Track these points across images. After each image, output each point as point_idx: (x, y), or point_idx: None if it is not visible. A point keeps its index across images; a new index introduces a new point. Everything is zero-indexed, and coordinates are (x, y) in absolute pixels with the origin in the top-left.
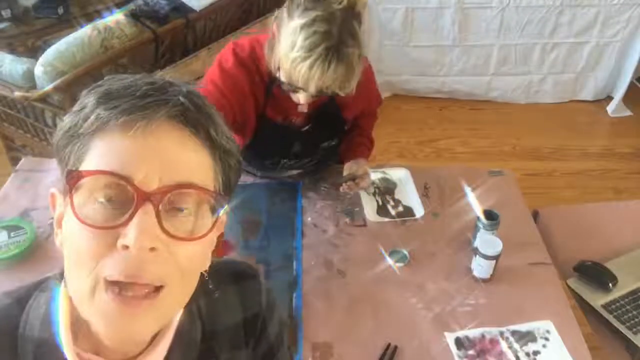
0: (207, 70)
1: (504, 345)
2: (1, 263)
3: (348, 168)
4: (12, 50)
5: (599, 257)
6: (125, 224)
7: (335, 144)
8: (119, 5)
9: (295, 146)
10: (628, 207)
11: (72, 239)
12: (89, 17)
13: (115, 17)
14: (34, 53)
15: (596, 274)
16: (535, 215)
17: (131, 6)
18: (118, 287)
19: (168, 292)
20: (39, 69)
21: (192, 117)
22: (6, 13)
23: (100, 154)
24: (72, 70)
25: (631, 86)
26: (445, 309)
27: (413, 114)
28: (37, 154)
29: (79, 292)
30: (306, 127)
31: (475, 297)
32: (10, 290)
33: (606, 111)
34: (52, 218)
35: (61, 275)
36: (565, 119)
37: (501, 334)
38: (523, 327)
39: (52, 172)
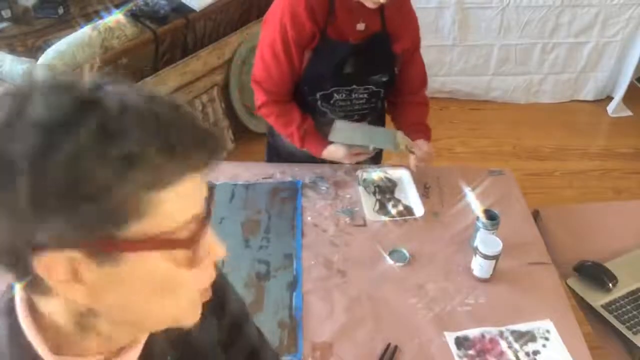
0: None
1: (503, 345)
2: None
3: (400, 136)
4: (12, 50)
5: (599, 257)
6: (204, 249)
7: (385, 81)
8: (118, 6)
9: (347, 67)
10: (628, 207)
11: (173, 278)
12: (89, 17)
13: (115, 17)
14: (34, 53)
15: (596, 274)
16: (535, 215)
17: (131, 6)
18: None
19: None
20: None
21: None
22: (6, 13)
23: (167, 214)
24: (72, 70)
25: (631, 86)
26: (445, 309)
27: None
28: None
29: (178, 310)
30: (359, 43)
31: (475, 297)
32: None
33: (606, 111)
34: None
35: (6, 302)
36: (565, 119)
37: (501, 333)
38: (523, 327)
39: None
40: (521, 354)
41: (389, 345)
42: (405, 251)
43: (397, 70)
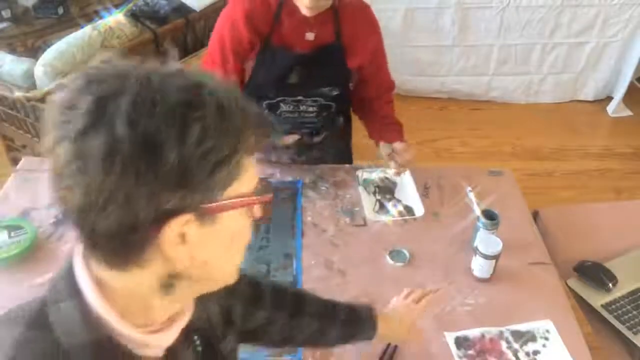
0: None
1: (503, 345)
2: (1, 263)
3: (383, 147)
4: (12, 50)
5: (599, 257)
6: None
7: (336, 95)
8: (118, 6)
9: (292, 77)
10: (628, 207)
11: (243, 233)
12: (89, 17)
13: (115, 17)
14: (34, 53)
15: (596, 274)
16: (535, 215)
17: (131, 6)
18: None
19: None
20: (39, 69)
21: None
22: (6, 13)
23: (247, 181)
24: (72, 70)
25: (631, 86)
26: (445, 309)
27: (413, 114)
28: (37, 154)
29: (234, 267)
30: (306, 53)
31: (475, 297)
32: (4, 320)
33: (606, 111)
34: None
35: (69, 287)
36: (565, 119)
37: (501, 333)
38: (523, 327)
39: None
40: (521, 354)
41: (388, 345)
42: (405, 251)
43: (351, 86)
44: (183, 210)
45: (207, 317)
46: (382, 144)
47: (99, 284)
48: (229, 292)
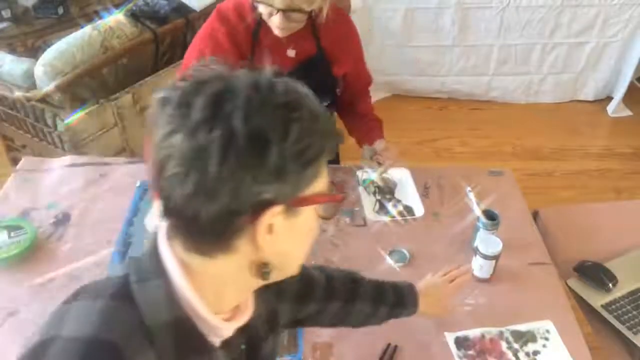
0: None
1: (504, 345)
2: (1, 263)
3: (366, 150)
4: (12, 50)
5: (599, 257)
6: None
7: (327, 105)
8: (118, 6)
9: None
10: (628, 207)
11: (314, 226)
12: (89, 17)
13: (115, 17)
14: (34, 53)
15: (596, 274)
16: (535, 215)
17: (131, 6)
18: None
19: None
20: (39, 69)
21: None
22: (6, 13)
23: (323, 180)
24: (72, 70)
25: (631, 86)
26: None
27: (413, 114)
28: (37, 154)
29: (302, 260)
30: (292, 70)
31: (475, 297)
32: (85, 294)
33: (606, 111)
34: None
35: (155, 267)
36: (565, 119)
37: (501, 334)
38: (523, 327)
39: (52, 172)
40: (521, 354)
41: (388, 345)
42: (405, 251)
43: (338, 92)
44: (276, 202)
45: (256, 317)
46: (365, 146)
47: (183, 266)
48: (278, 292)
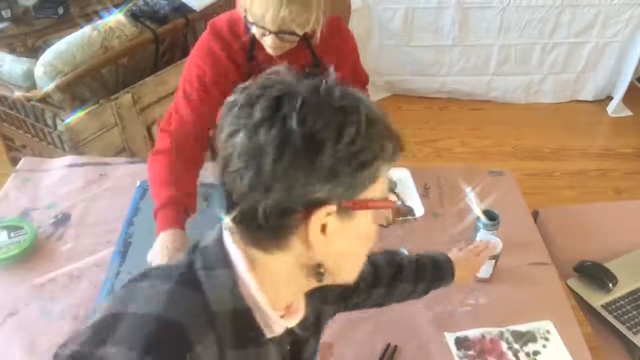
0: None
1: (504, 345)
2: (1, 263)
3: None
4: (12, 50)
5: (599, 257)
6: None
7: None
8: (118, 6)
9: None
10: (628, 207)
11: (369, 232)
12: (89, 17)
13: (115, 17)
14: (34, 53)
15: (596, 274)
16: (535, 215)
17: (131, 6)
18: None
19: None
20: (39, 69)
21: None
22: (6, 13)
23: (381, 185)
24: (72, 70)
25: (631, 86)
26: (445, 309)
27: (413, 114)
28: (37, 154)
29: (359, 264)
30: None
31: (475, 297)
32: (152, 276)
33: (606, 111)
34: (55, 217)
35: (221, 257)
36: (565, 119)
37: (501, 334)
38: (523, 327)
39: (52, 172)
40: (521, 355)
41: (388, 345)
42: (405, 251)
43: None
44: (329, 202)
45: (303, 319)
46: None
47: (246, 258)
48: (322, 295)
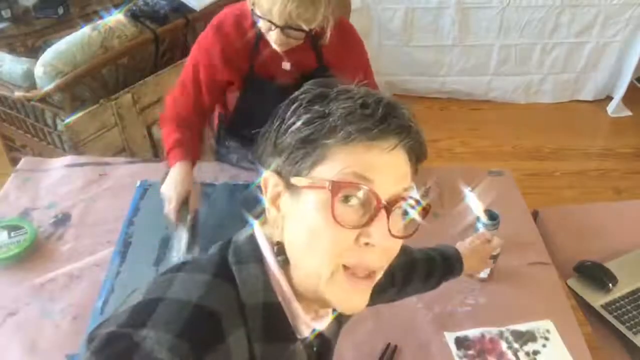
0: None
1: (504, 345)
2: (1, 263)
3: None
4: (12, 50)
5: (599, 257)
6: (367, 225)
7: None
8: (118, 6)
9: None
10: (628, 207)
11: (317, 231)
12: (89, 17)
13: (115, 17)
14: (34, 53)
15: (596, 274)
16: (535, 215)
17: (131, 6)
18: (350, 270)
19: (378, 275)
20: (39, 69)
21: (415, 140)
22: (6, 13)
23: (345, 163)
24: (72, 70)
25: (631, 86)
26: (445, 309)
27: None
28: (37, 154)
29: (317, 272)
30: (291, 84)
31: (475, 297)
32: (188, 268)
33: (606, 111)
34: (55, 217)
35: (254, 253)
36: (565, 119)
37: (501, 333)
38: (523, 327)
39: (52, 172)
40: (521, 354)
41: (388, 345)
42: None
43: None
44: (278, 173)
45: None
46: None
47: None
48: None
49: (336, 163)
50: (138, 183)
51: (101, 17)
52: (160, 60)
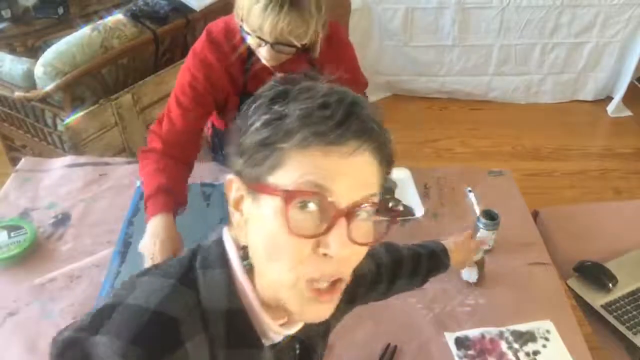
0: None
1: (504, 345)
2: (1, 263)
3: None
4: (12, 50)
5: (599, 257)
6: (325, 233)
7: None
8: (118, 6)
9: None
10: (628, 207)
11: (275, 239)
12: (89, 17)
13: (115, 18)
14: (34, 53)
15: (596, 274)
16: (535, 215)
17: (131, 6)
18: (313, 281)
19: (343, 284)
20: (39, 69)
21: (378, 142)
22: (6, 13)
23: (301, 170)
24: (72, 70)
25: (631, 86)
26: (445, 309)
27: (413, 114)
28: (37, 154)
29: (278, 281)
30: None
31: (475, 297)
32: (153, 272)
33: (606, 111)
34: (55, 217)
35: (220, 257)
36: (565, 119)
37: (501, 334)
38: (523, 327)
39: (52, 172)
40: (521, 354)
41: (388, 345)
42: None
43: None
44: (238, 175)
45: (313, 327)
46: None
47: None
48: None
49: (293, 169)
50: (138, 183)
51: (101, 17)
52: (160, 60)
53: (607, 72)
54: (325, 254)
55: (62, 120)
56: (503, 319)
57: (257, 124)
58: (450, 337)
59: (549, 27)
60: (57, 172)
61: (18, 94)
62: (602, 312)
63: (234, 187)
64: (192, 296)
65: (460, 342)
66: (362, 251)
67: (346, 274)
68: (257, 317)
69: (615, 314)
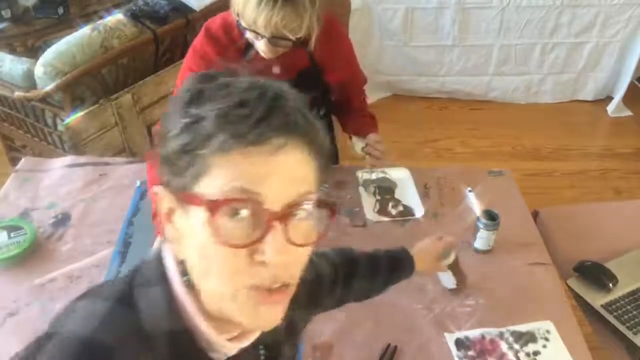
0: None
1: (504, 345)
2: (1, 263)
3: (357, 141)
4: (12, 50)
5: (599, 257)
6: (260, 240)
7: (322, 115)
8: (118, 6)
9: None
10: (628, 207)
11: (206, 251)
12: (89, 17)
13: (115, 17)
14: (34, 53)
15: (596, 274)
16: (535, 215)
17: (131, 6)
18: (254, 288)
19: (291, 287)
20: (39, 69)
21: (307, 135)
22: (6, 13)
23: (225, 176)
24: (72, 70)
25: (631, 86)
26: (445, 310)
27: (413, 114)
28: (37, 154)
29: (218, 293)
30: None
31: (475, 297)
32: (93, 294)
33: (606, 111)
34: (55, 217)
35: (158, 271)
36: (565, 119)
37: (501, 334)
38: (523, 327)
39: (52, 172)
40: (521, 355)
41: (388, 345)
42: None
43: (333, 98)
44: (165, 185)
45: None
46: (354, 138)
47: (183, 272)
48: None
49: (218, 176)
50: (138, 183)
51: (101, 17)
52: (160, 60)
53: (607, 72)
54: (263, 261)
55: (62, 120)
56: (503, 320)
57: (176, 130)
58: (450, 338)
59: (549, 27)
60: (57, 172)
61: (18, 94)
62: (603, 312)
63: (163, 198)
64: (131, 318)
65: (461, 343)
66: (305, 253)
67: (291, 278)
68: (202, 335)
69: (615, 313)
